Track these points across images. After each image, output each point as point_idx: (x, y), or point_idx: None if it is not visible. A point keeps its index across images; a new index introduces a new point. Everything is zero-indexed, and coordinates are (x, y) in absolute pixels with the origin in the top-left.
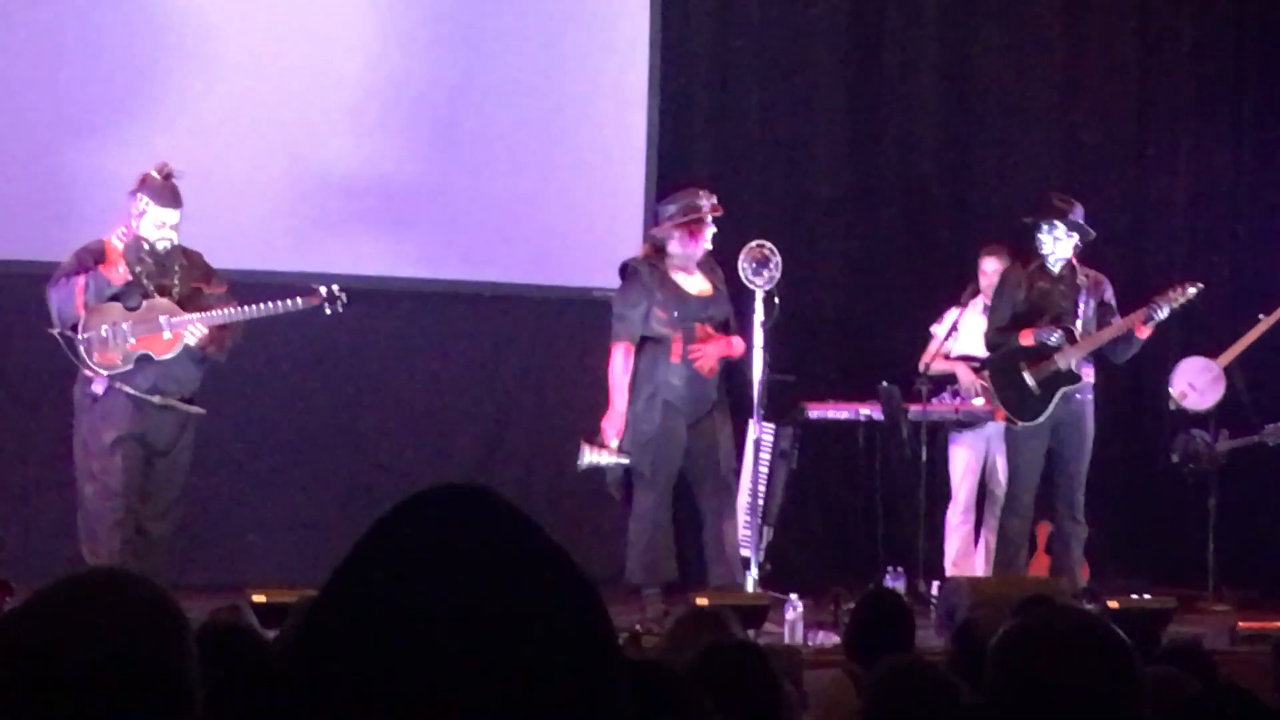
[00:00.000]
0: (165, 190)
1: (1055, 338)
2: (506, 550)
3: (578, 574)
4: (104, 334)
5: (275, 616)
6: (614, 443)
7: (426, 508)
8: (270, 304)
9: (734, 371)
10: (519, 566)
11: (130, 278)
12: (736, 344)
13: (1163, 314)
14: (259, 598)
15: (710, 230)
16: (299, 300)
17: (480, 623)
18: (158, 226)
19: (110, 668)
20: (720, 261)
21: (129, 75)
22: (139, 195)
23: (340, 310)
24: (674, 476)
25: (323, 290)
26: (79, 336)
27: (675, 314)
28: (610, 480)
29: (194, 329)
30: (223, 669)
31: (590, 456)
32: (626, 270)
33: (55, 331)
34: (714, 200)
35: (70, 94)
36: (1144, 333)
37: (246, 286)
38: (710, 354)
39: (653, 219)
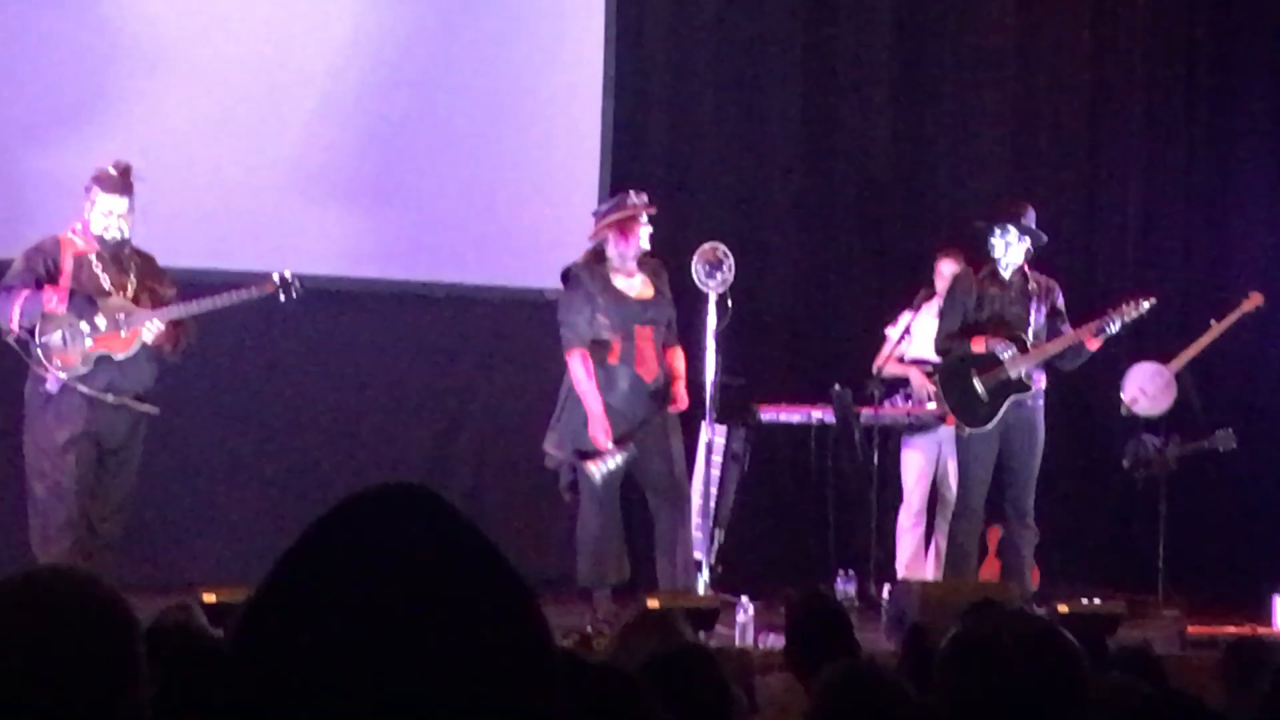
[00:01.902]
0: (114, 180)
1: (1009, 353)
2: (442, 549)
3: (513, 575)
4: (61, 338)
5: (226, 616)
6: (609, 444)
7: (364, 507)
8: (226, 295)
9: (687, 373)
10: (453, 566)
11: (64, 307)
12: (679, 364)
13: (1115, 328)
14: (209, 597)
15: (645, 229)
16: (253, 289)
17: (413, 621)
18: (105, 215)
19: (59, 667)
20: (673, 263)
21: (83, 75)
22: (90, 188)
23: (295, 296)
24: (620, 478)
25: (276, 277)
26: (36, 341)
27: (615, 318)
28: (561, 483)
29: (151, 325)
30: (171, 668)
31: (598, 470)
32: (568, 277)
33: (11, 339)
34: (645, 198)
35: (24, 94)
36: (1094, 345)
37: (199, 284)
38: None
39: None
